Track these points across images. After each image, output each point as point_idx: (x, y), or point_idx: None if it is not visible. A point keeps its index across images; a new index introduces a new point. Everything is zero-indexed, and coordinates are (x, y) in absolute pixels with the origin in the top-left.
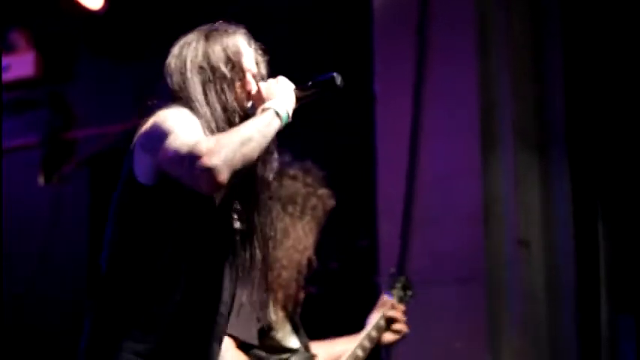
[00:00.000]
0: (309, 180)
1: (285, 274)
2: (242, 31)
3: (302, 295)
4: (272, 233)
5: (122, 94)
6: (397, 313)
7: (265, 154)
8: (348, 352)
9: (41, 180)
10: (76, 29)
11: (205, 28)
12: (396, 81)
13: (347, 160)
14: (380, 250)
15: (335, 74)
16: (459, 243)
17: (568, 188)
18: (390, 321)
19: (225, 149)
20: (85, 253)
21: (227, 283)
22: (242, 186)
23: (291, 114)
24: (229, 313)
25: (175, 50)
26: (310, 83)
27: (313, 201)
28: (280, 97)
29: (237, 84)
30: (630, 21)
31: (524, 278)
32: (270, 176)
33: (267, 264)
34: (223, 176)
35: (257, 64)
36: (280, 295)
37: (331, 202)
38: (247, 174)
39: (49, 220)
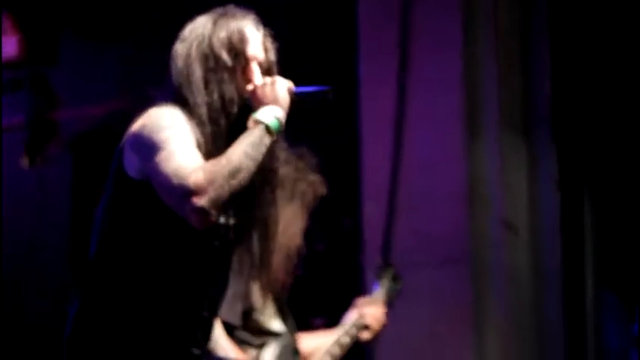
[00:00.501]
0: (300, 165)
1: (273, 258)
2: (251, 16)
3: (290, 281)
4: (274, 227)
5: (106, 76)
6: (376, 313)
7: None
8: (325, 348)
9: (25, 162)
10: (59, 11)
11: (215, 11)
12: (381, 65)
13: (332, 142)
14: (365, 232)
15: (329, 89)
16: (444, 225)
17: (554, 170)
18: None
19: (214, 186)
20: (69, 234)
21: (217, 276)
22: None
23: (283, 120)
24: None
25: (184, 34)
26: (304, 92)
27: (303, 186)
28: (273, 104)
29: (239, 73)
30: (615, 6)
31: (510, 260)
32: (276, 167)
33: (267, 258)
34: (212, 216)
35: (265, 51)
36: (267, 279)
37: (322, 190)
38: None
39: (33, 201)
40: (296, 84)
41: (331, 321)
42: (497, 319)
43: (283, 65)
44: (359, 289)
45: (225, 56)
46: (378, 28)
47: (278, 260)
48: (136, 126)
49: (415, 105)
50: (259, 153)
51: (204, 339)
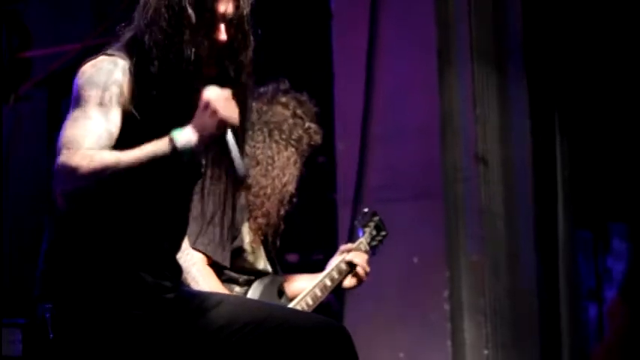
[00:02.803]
0: (299, 111)
1: (267, 203)
2: None
3: (282, 227)
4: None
5: (80, 12)
6: (360, 260)
7: (244, 88)
8: (307, 290)
9: None
10: None
11: None
12: (352, 2)
13: (304, 80)
14: (337, 168)
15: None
16: (416, 159)
17: (526, 103)
18: (352, 266)
19: (87, 180)
20: (46, 171)
21: (179, 208)
22: None
23: (200, 151)
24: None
25: None
26: (231, 149)
27: (299, 132)
28: (200, 131)
29: (203, 30)
30: None
31: (482, 194)
32: (248, 113)
33: (237, 190)
34: (72, 205)
35: (237, 6)
36: (260, 221)
37: (317, 138)
38: None
39: (8, 139)
40: (267, 18)
41: (305, 257)
42: (471, 253)
43: (256, 4)
44: (333, 227)
45: (190, 11)
46: None
47: (272, 204)
48: (80, 71)
49: (386, 40)
50: (154, 167)
51: (170, 271)
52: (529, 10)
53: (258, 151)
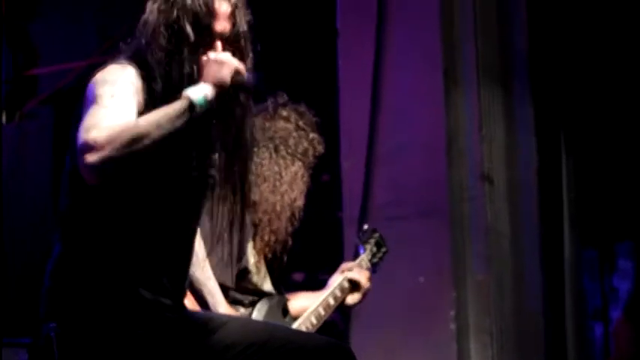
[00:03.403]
0: (301, 123)
1: (277, 221)
2: None
3: (290, 243)
4: (248, 185)
5: (85, 30)
6: (362, 277)
7: (243, 107)
8: (311, 309)
9: (3, 118)
10: None
11: None
12: (359, 18)
13: (310, 98)
14: (343, 186)
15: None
16: (421, 177)
17: (531, 122)
18: (354, 283)
19: (111, 147)
20: (50, 189)
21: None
22: (221, 135)
23: (214, 100)
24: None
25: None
26: (245, 85)
27: (304, 144)
28: (210, 82)
29: (202, 48)
30: None
31: (488, 212)
32: (248, 125)
33: (244, 210)
34: (100, 176)
35: (234, 23)
36: (268, 239)
37: (320, 148)
38: (224, 125)
39: (14, 157)
40: (273, 36)
41: (311, 276)
42: (476, 272)
43: (261, 19)
44: (338, 245)
45: (189, 30)
46: None
47: (281, 221)
48: (90, 81)
49: (392, 58)
50: (173, 126)
51: (176, 291)
52: (535, 29)
53: (265, 168)
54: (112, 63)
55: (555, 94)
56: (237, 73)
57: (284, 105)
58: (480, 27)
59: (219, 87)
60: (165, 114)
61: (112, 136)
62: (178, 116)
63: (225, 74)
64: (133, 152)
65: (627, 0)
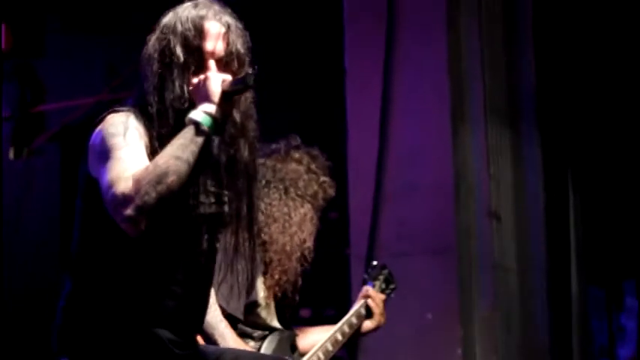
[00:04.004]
0: (313, 166)
1: (288, 262)
2: (215, 6)
3: (300, 282)
4: (255, 219)
5: (92, 67)
6: (377, 304)
7: (246, 137)
8: (319, 344)
9: (11, 154)
10: (46, 3)
11: (185, 3)
12: (366, 56)
13: (317, 134)
14: (351, 223)
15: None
16: (430, 215)
17: (539, 161)
18: (369, 310)
19: (140, 194)
20: (58, 225)
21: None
22: (225, 170)
23: (217, 114)
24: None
25: (157, 25)
26: (236, 82)
27: (314, 187)
28: (205, 100)
29: (193, 69)
30: None
31: (496, 250)
32: (254, 159)
33: (252, 245)
34: (141, 225)
35: (229, 43)
36: (278, 278)
37: (331, 192)
38: (229, 158)
39: (21, 194)
40: (281, 74)
41: (317, 312)
42: (484, 310)
43: (270, 58)
44: (345, 282)
45: (179, 51)
46: (364, 18)
47: (291, 262)
48: (94, 132)
49: (400, 96)
50: (190, 153)
51: (188, 328)
52: (542, 69)
53: (275, 209)
54: (112, 110)
55: (562, 133)
56: (224, 80)
57: (297, 147)
58: (488, 67)
59: (215, 100)
60: (178, 145)
61: (137, 184)
62: (191, 141)
63: (214, 86)
64: (162, 193)
65: (635, 43)
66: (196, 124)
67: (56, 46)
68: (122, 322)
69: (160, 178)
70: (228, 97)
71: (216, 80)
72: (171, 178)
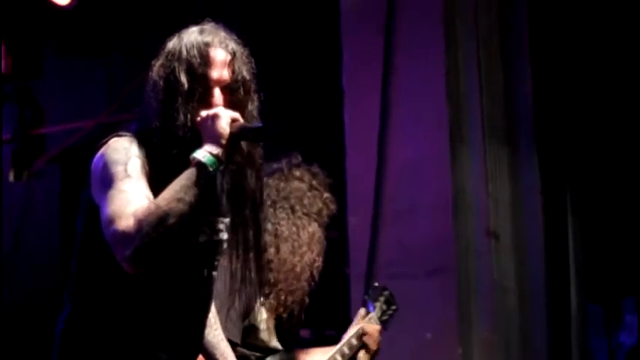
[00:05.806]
0: (314, 183)
1: (296, 282)
2: (221, 33)
3: (307, 301)
4: (259, 245)
5: (92, 90)
6: (374, 340)
7: (252, 165)
8: (327, 357)
9: (11, 176)
10: (45, 25)
11: (191, 28)
12: (364, 76)
13: (316, 155)
14: (350, 243)
15: (263, 128)
16: (428, 234)
17: (537, 180)
18: (363, 342)
19: (141, 235)
20: (58, 247)
21: (203, 290)
22: (231, 198)
23: (221, 154)
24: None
25: (161, 50)
26: (247, 126)
27: (319, 204)
28: (210, 139)
29: (198, 97)
30: (596, 12)
31: (494, 269)
32: (261, 187)
33: (258, 271)
34: (139, 267)
35: (234, 71)
36: (284, 299)
37: (333, 208)
38: (236, 186)
39: (21, 216)
40: (279, 92)
41: (317, 332)
42: (483, 329)
43: (268, 76)
44: (345, 302)
45: (183, 79)
46: (362, 39)
47: (300, 282)
48: (96, 156)
49: (398, 117)
50: (193, 196)
51: (187, 353)
52: (540, 88)
53: (284, 228)
54: (115, 134)
55: (560, 153)
56: (234, 121)
57: (297, 165)
58: (486, 86)
59: (222, 142)
60: (180, 186)
61: (138, 224)
62: (194, 183)
63: (222, 126)
64: (163, 234)
65: (633, 65)
66: (201, 166)
67: (55, 68)
68: (121, 346)
69: (161, 220)
70: (235, 140)
71: (226, 119)
72: (172, 221)
